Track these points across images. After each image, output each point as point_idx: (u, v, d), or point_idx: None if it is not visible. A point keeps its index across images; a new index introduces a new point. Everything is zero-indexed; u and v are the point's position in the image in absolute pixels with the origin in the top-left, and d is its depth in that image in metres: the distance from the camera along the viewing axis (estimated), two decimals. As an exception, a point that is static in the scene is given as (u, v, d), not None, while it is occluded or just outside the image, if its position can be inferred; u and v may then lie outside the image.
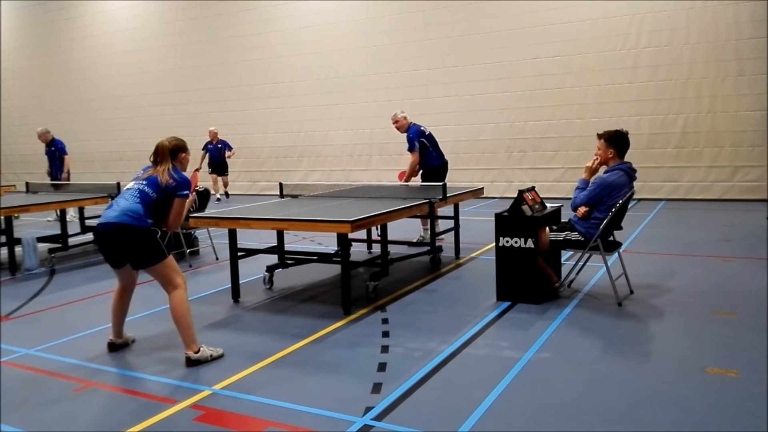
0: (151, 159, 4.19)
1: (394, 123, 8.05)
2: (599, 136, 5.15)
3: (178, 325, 4.01)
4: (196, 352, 3.97)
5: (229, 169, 15.12)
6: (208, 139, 14.73)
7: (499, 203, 12.02)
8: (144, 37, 18.33)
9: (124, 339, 4.40)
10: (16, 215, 11.14)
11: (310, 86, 15.79)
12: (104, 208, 4.15)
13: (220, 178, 14.83)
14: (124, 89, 18.66)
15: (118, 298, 4.28)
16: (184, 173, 4.25)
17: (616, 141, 5.06)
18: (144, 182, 4.08)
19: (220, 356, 4.09)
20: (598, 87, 12.72)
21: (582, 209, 5.08)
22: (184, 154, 4.26)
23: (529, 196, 5.34)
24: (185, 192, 4.14)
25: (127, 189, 4.11)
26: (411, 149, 7.83)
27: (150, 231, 3.98)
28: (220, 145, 14.54)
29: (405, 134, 7.95)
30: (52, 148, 11.73)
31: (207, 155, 14.72)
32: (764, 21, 11.29)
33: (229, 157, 14.89)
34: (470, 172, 13.88)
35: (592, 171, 5.21)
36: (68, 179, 11.49)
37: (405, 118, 8.03)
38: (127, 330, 4.49)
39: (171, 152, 4.17)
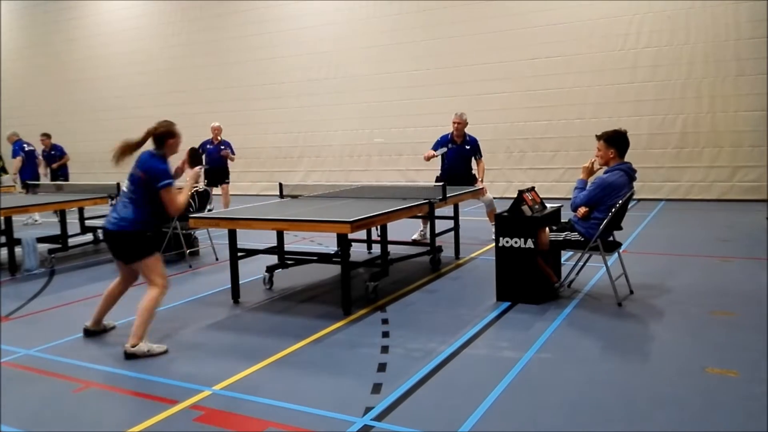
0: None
1: (462, 124, 8.21)
2: (598, 138, 5.14)
3: (137, 316, 4.20)
4: (133, 346, 4.13)
5: (229, 177, 11.33)
6: (210, 137, 11.08)
7: (498, 203, 11.98)
8: (144, 38, 18.33)
9: (102, 326, 4.67)
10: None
11: (309, 86, 15.79)
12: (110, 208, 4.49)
13: (220, 187, 10.89)
14: (124, 90, 18.65)
15: (113, 287, 4.56)
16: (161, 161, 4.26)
17: (617, 141, 5.06)
18: (128, 182, 4.27)
19: (163, 352, 4.20)
20: (598, 87, 12.72)
21: (582, 209, 5.08)
22: (171, 140, 4.29)
23: (528, 196, 5.34)
24: (164, 182, 4.18)
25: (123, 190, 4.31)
26: (481, 156, 8.38)
27: (138, 233, 4.21)
28: (222, 147, 10.96)
29: (455, 137, 8.28)
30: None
31: (204, 157, 10.94)
32: (764, 21, 11.29)
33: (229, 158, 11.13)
34: (470, 173, 13.87)
35: (590, 171, 5.21)
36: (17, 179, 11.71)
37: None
38: (122, 331, 4.52)
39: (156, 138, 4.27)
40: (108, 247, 4.43)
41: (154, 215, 4.29)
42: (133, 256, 4.25)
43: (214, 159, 10.87)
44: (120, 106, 18.67)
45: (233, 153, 11.14)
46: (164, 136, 4.25)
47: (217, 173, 10.76)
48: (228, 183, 11.17)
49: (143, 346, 4.15)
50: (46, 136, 12.43)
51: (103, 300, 4.57)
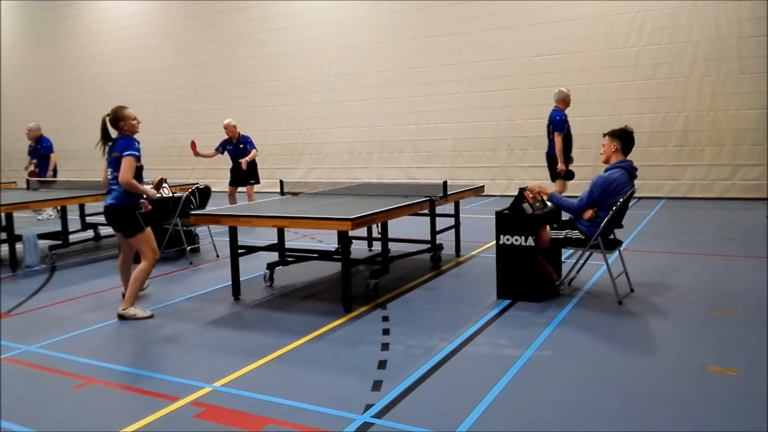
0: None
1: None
2: (605, 135, 5.16)
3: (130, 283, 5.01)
4: (124, 309, 4.92)
5: (257, 177, 10.28)
6: (226, 137, 10.08)
7: (499, 201, 12.01)
8: (145, 35, 18.31)
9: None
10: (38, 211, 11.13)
11: (310, 84, 15.79)
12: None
13: (243, 189, 10.08)
14: (125, 87, 18.62)
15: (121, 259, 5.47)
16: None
17: (621, 136, 5.06)
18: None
19: (148, 317, 4.92)
20: (600, 85, 12.70)
21: (589, 212, 5.04)
22: (122, 123, 5.45)
23: (529, 194, 5.34)
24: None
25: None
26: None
27: (131, 209, 5.03)
28: (241, 146, 9.94)
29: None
30: (38, 146, 11.65)
31: (228, 157, 10.16)
32: (765, 19, 11.27)
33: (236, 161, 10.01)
34: (471, 170, 13.88)
35: (544, 192, 5.39)
36: (54, 177, 11.42)
37: None
38: (124, 328, 4.65)
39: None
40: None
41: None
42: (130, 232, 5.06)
43: (237, 159, 9.94)
44: (121, 103, 18.64)
45: (254, 147, 10.04)
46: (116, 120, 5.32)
47: (241, 173, 9.92)
48: (252, 184, 10.08)
49: (131, 310, 4.89)
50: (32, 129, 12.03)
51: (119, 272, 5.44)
